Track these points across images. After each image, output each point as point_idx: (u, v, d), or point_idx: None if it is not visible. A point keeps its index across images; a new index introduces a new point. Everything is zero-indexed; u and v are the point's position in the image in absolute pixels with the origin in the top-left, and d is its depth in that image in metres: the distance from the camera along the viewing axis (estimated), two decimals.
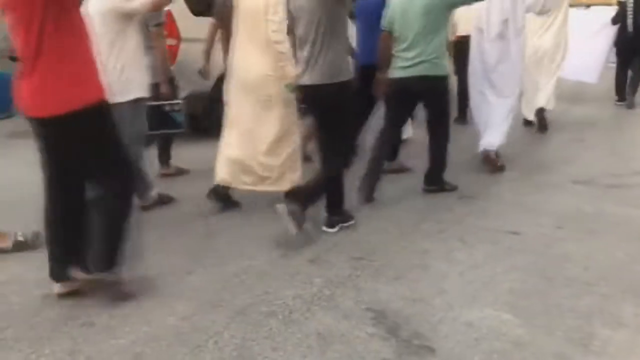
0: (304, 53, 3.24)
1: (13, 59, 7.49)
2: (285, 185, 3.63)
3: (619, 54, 7.89)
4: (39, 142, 2.52)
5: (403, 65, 3.88)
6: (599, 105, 7.93)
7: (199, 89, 5.38)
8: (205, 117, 5.60)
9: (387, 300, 2.57)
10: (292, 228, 3.10)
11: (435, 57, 3.82)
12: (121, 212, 2.56)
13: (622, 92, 7.85)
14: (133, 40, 3.38)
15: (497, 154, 4.68)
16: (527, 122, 6.45)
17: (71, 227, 2.57)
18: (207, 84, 5.40)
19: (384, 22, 3.94)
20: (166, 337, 2.29)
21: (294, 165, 3.74)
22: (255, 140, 3.66)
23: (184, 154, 5.04)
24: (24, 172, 4.48)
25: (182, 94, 4.59)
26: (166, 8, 3.98)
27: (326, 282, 2.75)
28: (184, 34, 5.46)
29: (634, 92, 7.80)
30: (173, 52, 5.15)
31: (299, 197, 3.20)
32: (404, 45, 3.86)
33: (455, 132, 4.43)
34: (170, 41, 4.96)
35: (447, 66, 4.08)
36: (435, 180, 4.12)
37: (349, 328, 2.34)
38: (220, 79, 5.51)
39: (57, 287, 2.62)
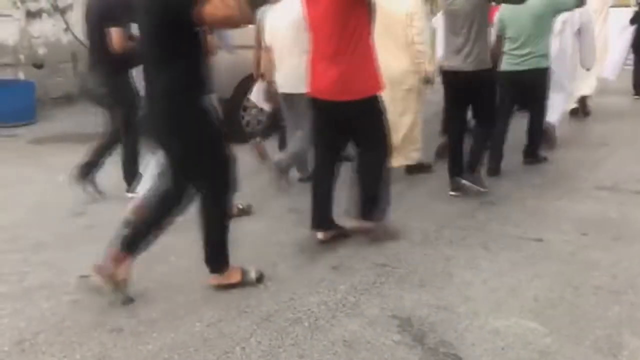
0: (456, 45, 3.98)
1: (37, 66, 7.66)
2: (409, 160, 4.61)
3: (637, 52, 8.22)
4: (322, 118, 3.29)
5: (514, 61, 4.64)
6: (621, 110, 7.84)
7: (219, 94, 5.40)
8: (227, 122, 5.62)
9: (412, 307, 2.57)
10: (481, 187, 4.11)
11: (543, 54, 4.62)
12: (378, 167, 3.30)
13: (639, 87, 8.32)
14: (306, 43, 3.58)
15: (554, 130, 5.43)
16: (573, 111, 6.79)
17: (330, 184, 3.34)
18: (227, 90, 5.41)
19: (497, 28, 4.69)
20: (194, 344, 2.32)
21: (417, 144, 4.62)
22: (395, 127, 4.03)
23: None
24: (44, 177, 4.60)
25: None
26: None
27: (350, 288, 2.76)
28: None
29: None
30: None
31: (469, 167, 4.16)
32: (516, 45, 4.61)
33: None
34: None
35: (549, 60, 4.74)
36: (533, 154, 4.97)
37: (375, 335, 2.34)
38: (241, 85, 5.60)
39: (320, 235, 3.33)
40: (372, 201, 3.31)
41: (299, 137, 4.19)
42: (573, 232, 3.42)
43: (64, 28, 7.79)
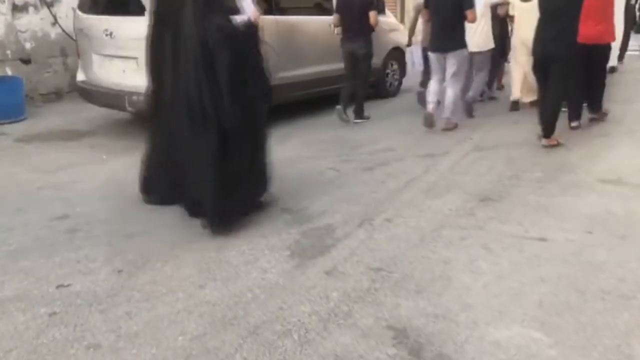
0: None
1: (25, 61, 7.47)
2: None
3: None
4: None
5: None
6: (620, 97, 7.67)
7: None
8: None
9: (409, 316, 2.43)
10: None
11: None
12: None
13: None
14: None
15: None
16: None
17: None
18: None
19: None
20: None
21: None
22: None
23: None
24: (28, 177, 4.44)
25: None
26: None
27: (343, 296, 2.61)
28: None
29: None
30: None
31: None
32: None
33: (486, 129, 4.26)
34: None
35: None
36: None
37: (368, 349, 2.20)
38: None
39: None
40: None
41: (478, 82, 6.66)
42: (577, 231, 3.27)
43: (52, 22, 7.59)
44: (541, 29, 5.04)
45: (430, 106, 5.91)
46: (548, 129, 5.08)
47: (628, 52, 10.60)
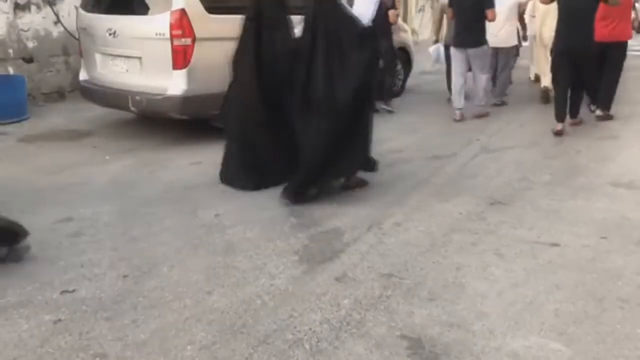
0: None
1: (27, 60, 7.42)
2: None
3: None
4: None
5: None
6: (626, 98, 7.61)
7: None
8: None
9: (423, 325, 2.37)
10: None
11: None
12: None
13: None
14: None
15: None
16: None
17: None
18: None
19: None
20: None
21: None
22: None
23: None
24: (31, 178, 4.38)
25: None
26: None
27: (355, 303, 2.55)
28: None
29: None
30: None
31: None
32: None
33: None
34: None
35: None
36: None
37: None
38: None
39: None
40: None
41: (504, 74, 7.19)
42: (591, 236, 3.21)
43: (54, 20, 7.52)
44: (564, 27, 5.50)
45: (457, 113, 6.32)
46: (574, 112, 5.83)
47: (630, 52, 10.47)
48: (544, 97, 7.01)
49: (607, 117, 6.11)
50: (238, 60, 4.14)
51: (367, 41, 3.82)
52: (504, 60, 7.11)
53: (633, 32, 9.85)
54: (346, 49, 3.72)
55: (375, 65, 4.01)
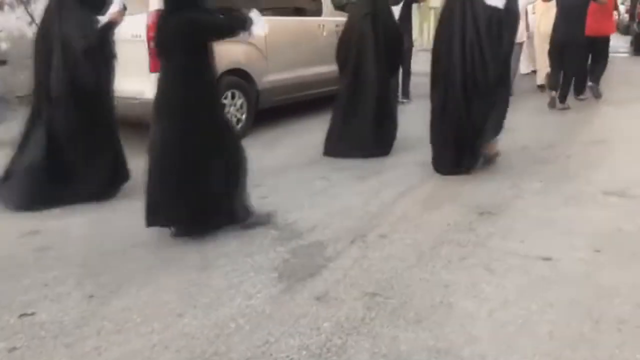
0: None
1: (1, 62, 7.15)
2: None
3: None
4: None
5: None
6: (615, 98, 7.53)
7: None
8: None
9: (409, 351, 2.20)
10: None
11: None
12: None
13: None
14: None
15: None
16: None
17: None
18: None
19: None
20: None
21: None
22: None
23: None
24: None
25: None
26: None
27: (336, 326, 2.38)
28: None
29: None
30: None
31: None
32: None
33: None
34: None
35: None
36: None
37: None
38: None
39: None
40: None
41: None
42: (584, 248, 3.07)
43: (29, 21, 7.27)
44: (561, 21, 6.69)
45: None
46: (563, 95, 6.88)
47: (618, 54, 10.51)
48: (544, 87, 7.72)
49: (598, 94, 7.30)
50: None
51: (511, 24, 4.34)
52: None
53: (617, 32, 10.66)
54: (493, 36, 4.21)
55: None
